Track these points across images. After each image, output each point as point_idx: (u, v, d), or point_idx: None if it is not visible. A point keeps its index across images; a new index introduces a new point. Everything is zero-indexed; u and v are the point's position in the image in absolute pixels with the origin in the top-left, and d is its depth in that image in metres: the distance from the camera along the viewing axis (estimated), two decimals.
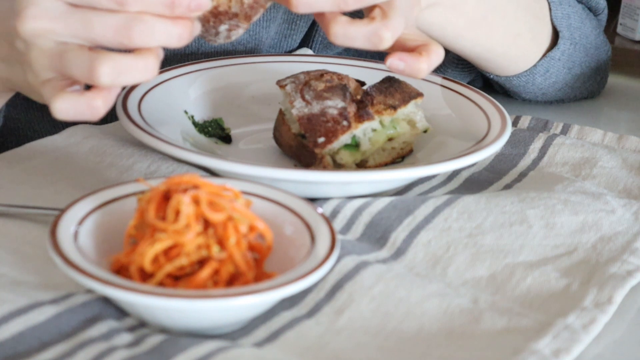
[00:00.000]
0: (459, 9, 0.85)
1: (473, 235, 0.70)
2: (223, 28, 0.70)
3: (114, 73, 0.61)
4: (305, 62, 0.95)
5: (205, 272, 0.57)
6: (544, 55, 0.96)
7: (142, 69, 0.62)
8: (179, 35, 0.64)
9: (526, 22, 0.93)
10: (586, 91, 1.05)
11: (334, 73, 0.83)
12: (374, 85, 0.82)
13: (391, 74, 0.85)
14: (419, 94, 0.82)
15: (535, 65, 0.95)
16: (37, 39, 0.63)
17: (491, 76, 0.96)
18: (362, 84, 0.84)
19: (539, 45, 0.96)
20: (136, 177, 0.74)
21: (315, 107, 0.79)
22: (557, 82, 0.99)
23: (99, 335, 0.55)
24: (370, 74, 0.91)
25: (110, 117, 0.99)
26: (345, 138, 0.78)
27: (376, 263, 0.65)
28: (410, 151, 0.84)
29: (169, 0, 0.62)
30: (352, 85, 0.82)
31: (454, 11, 0.85)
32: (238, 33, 0.71)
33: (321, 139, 0.77)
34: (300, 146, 0.80)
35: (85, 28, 0.62)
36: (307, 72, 0.83)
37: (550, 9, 0.95)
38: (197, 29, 0.67)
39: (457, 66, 0.99)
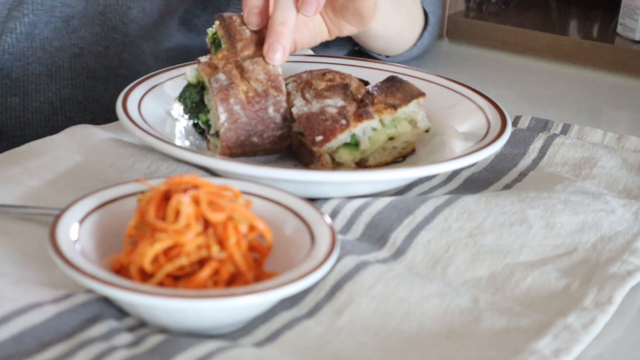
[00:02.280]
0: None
1: (473, 235, 0.70)
2: (271, 110, 0.77)
3: None
4: (306, 62, 0.95)
5: (205, 272, 0.57)
6: (421, 35, 1.15)
7: None
8: None
9: (416, 8, 1.13)
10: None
11: (336, 72, 0.83)
12: (376, 85, 0.82)
13: (395, 74, 0.85)
14: (420, 94, 0.82)
15: (415, 45, 1.14)
16: None
17: (380, 56, 1.12)
18: (366, 83, 0.84)
19: (419, 26, 1.15)
20: (136, 177, 0.74)
21: (315, 106, 0.79)
22: (427, 44, 1.18)
23: (99, 335, 0.55)
24: (374, 75, 0.91)
25: (110, 117, 0.99)
26: (343, 137, 0.78)
27: (376, 263, 0.65)
28: (413, 151, 0.84)
29: None
30: (355, 85, 0.82)
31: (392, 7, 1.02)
32: (283, 106, 0.79)
33: (319, 138, 0.77)
34: (300, 145, 0.80)
35: None
36: (311, 72, 0.83)
37: None
38: None
39: (340, 42, 1.11)
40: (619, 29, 1.30)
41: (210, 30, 0.84)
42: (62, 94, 0.99)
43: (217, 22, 0.83)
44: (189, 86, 0.82)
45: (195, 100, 0.81)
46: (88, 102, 1.01)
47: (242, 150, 0.78)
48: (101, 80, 1.01)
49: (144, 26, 1.02)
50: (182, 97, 0.82)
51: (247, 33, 0.81)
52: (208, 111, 0.81)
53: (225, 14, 0.83)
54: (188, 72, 0.82)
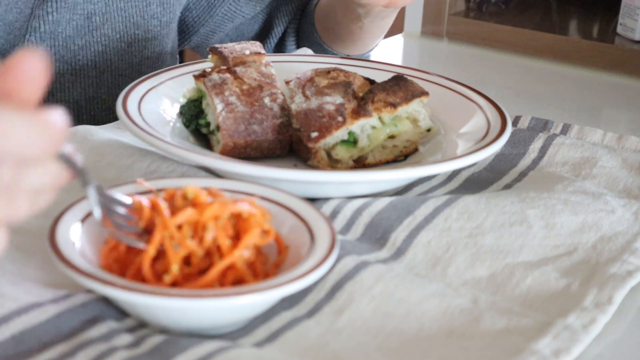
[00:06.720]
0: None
1: (473, 235, 0.70)
2: (268, 100, 0.79)
3: None
4: (306, 62, 0.95)
5: (212, 274, 0.57)
6: None
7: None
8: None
9: None
10: None
11: (342, 71, 0.83)
12: (380, 84, 0.82)
13: (400, 74, 0.85)
14: (423, 93, 0.82)
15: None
16: None
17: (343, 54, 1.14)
18: (372, 82, 0.84)
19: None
20: (136, 176, 0.74)
21: (313, 103, 0.79)
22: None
23: (99, 336, 0.55)
24: (378, 74, 0.91)
25: (110, 117, 0.99)
26: (340, 134, 0.78)
27: (376, 263, 0.65)
28: (415, 149, 0.84)
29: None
30: (359, 83, 0.82)
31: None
32: (279, 97, 0.80)
33: (314, 134, 0.77)
34: (299, 141, 0.80)
35: None
36: (316, 69, 0.83)
37: None
38: None
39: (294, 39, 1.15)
40: (619, 29, 1.30)
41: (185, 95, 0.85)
42: (87, 92, 0.99)
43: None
44: (188, 101, 0.84)
45: (194, 112, 0.83)
46: (112, 101, 1.01)
47: (245, 140, 0.78)
48: (125, 78, 1.02)
49: (165, 23, 1.03)
50: (182, 112, 0.84)
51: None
52: (207, 115, 0.81)
53: (218, 46, 0.86)
54: (185, 92, 0.84)
